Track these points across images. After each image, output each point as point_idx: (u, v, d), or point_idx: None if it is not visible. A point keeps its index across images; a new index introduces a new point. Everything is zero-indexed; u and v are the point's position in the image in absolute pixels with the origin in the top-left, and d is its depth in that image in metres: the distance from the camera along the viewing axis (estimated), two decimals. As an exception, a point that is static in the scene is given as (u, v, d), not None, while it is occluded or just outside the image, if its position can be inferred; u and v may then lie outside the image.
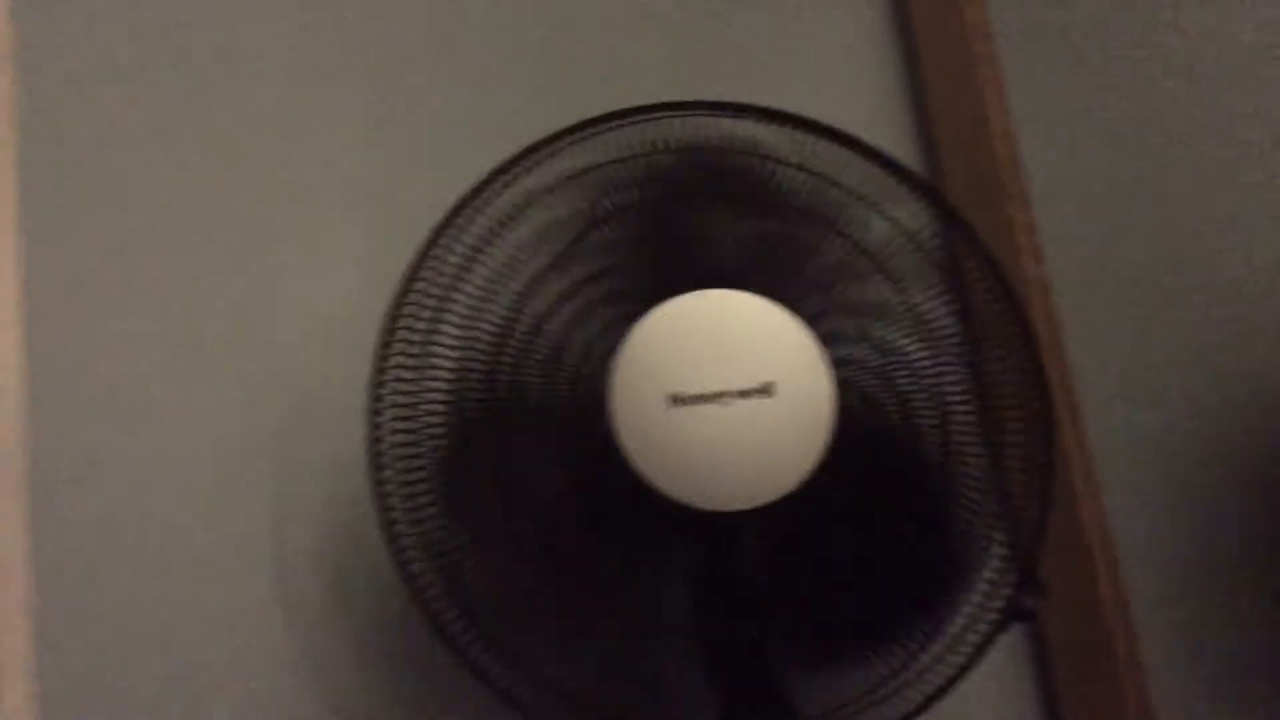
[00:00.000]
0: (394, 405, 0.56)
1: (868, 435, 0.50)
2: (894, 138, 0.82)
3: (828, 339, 0.50)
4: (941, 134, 0.79)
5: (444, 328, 0.56)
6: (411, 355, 0.56)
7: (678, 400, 0.49)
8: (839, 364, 0.50)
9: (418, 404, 0.56)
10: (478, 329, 0.56)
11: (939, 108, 0.80)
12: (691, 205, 0.56)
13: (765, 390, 0.49)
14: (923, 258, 0.54)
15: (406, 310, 0.55)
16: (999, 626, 0.53)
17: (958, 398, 0.53)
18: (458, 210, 0.55)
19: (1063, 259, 0.71)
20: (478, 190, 0.55)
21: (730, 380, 0.49)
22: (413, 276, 0.55)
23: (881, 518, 0.51)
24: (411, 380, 0.56)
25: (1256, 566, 0.62)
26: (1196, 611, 0.65)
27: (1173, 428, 0.66)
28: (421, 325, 0.56)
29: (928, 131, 0.82)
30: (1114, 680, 0.64)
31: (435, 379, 0.56)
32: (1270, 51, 0.62)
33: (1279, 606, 0.60)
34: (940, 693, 0.53)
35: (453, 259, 0.57)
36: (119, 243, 0.70)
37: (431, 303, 0.56)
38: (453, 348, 0.56)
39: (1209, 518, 0.65)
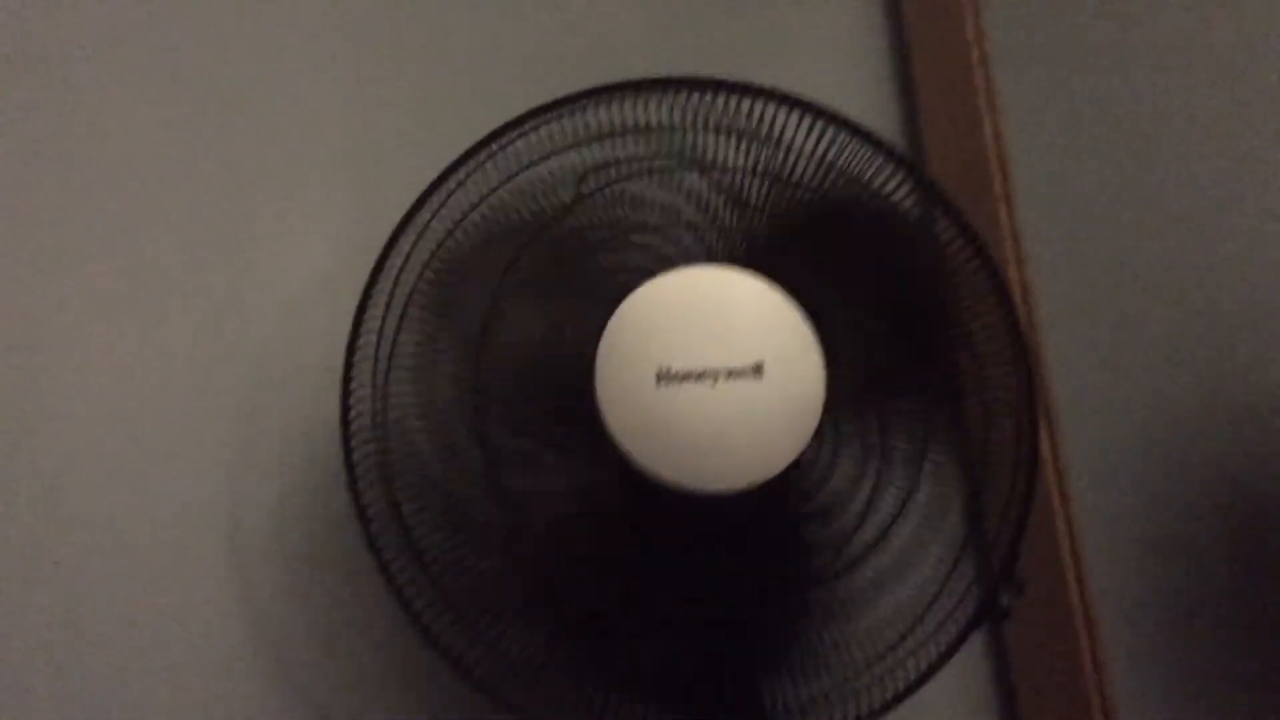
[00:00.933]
0: (367, 384, 0.54)
1: (857, 422, 0.49)
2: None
3: (820, 322, 0.49)
4: (930, 136, 0.79)
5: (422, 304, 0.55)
6: (388, 332, 0.54)
7: (664, 377, 0.48)
8: (830, 348, 0.49)
9: (394, 377, 0.54)
10: (459, 302, 0.55)
11: (928, 106, 0.80)
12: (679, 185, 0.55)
13: (755, 371, 0.48)
14: (918, 245, 0.53)
15: (382, 282, 0.54)
16: (973, 623, 0.52)
17: (945, 390, 0.52)
18: (439, 182, 0.53)
19: (1044, 262, 0.71)
20: (461, 160, 0.53)
21: (719, 359, 0.48)
22: (391, 245, 0.53)
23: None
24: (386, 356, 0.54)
25: (1224, 574, 0.62)
26: (1161, 615, 0.65)
27: (1145, 432, 0.66)
28: (399, 298, 0.54)
29: (915, 131, 0.82)
30: (1077, 682, 0.64)
31: (412, 353, 0.55)
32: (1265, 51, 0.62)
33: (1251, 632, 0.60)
34: (911, 688, 0.53)
35: (434, 234, 0.55)
36: (82, 199, 0.67)
37: (409, 278, 0.54)
38: (433, 318, 0.55)
39: (1177, 523, 0.65)
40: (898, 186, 0.53)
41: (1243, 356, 0.62)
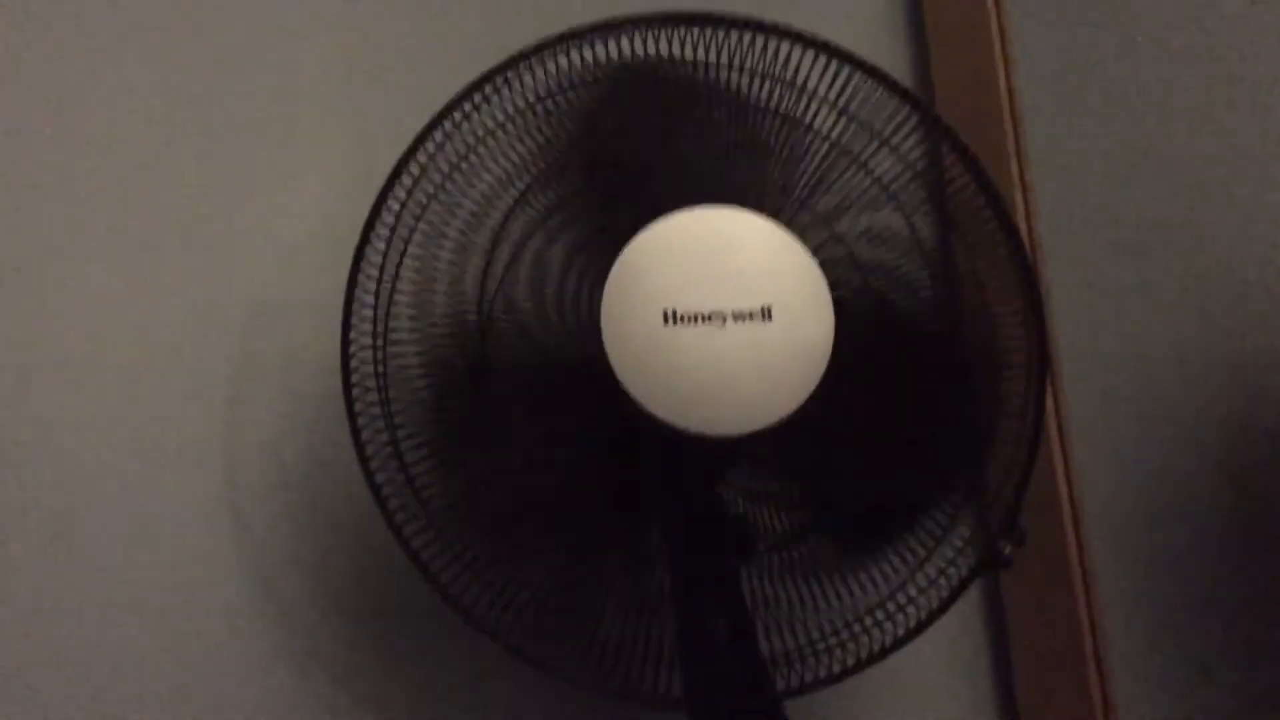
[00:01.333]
0: (368, 320, 0.53)
1: (865, 365, 0.49)
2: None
3: (830, 264, 0.48)
4: (941, 89, 0.78)
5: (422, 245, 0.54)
6: (388, 274, 0.54)
7: (671, 319, 0.47)
8: (839, 290, 0.48)
9: (393, 320, 0.54)
10: (460, 245, 0.54)
11: (941, 59, 0.78)
12: (686, 124, 0.54)
13: (764, 313, 0.48)
14: (926, 189, 0.52)
15: (380, 228, 0.53)
16: (975, 572, 0.52)
17: (952, 335, 0.52)
18: (435, 124, 0.52)
19: (1056, 222, 0.70)
20: (456, 102, 0.52)
21: (727, 301, 0.48)
22: (387, 189, 0.52)
23: (873, 450, 0.50)
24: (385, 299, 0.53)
25: (1223, 537, 0.62)
26: (1160, 579, 0.65)
27: (1147, 392, 0.66)
28: (398, 243, 0.53)
29: (929, 85, 0.81)
30: (1077, 666, 0.64)
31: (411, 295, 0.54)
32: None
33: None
34: (911, 635, 0.53)
35: (433, 175, 0.54)
36: (79, 144, 0.66)
37: (409, 219, 0.54)
38: (435, 252, 0.54)
39: (1178, 486, 0.65)
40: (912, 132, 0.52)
41: (1252, 316, 0.61)
